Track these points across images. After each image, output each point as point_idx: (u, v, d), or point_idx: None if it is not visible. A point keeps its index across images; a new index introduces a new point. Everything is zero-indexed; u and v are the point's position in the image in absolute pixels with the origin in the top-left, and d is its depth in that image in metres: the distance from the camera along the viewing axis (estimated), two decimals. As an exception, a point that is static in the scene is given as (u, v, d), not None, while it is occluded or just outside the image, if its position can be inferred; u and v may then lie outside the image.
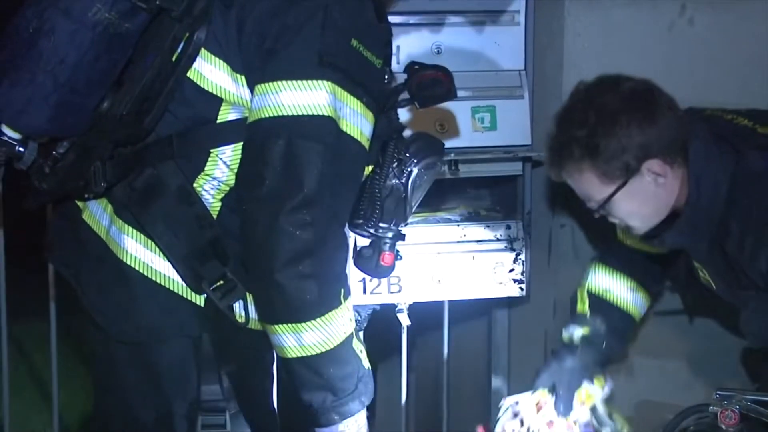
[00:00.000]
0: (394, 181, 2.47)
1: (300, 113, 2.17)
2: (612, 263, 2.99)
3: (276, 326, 2.22)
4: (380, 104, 2.34)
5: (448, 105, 3.07)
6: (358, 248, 2.58)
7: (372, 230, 2.49)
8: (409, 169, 2.48)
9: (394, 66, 2.55)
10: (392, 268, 2.56)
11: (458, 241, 3.21)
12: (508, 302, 3.50)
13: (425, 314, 3.37)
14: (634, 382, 3.31)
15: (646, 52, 3.16)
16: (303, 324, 2.19)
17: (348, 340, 2.26)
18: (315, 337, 2.21)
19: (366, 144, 2.27)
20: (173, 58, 2.24)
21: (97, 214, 2.37)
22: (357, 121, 2.23)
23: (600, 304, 2.98)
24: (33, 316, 3.67)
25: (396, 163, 2.46)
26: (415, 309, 3.24)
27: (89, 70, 2.17)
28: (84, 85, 2.18)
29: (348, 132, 2.22)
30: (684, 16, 3.19)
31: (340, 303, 2.23)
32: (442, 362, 3.55)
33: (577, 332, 2.96)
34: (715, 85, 3.20)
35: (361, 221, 2.46)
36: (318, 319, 2.20)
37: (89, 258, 2.38)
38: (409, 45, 3.13)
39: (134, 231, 2.32)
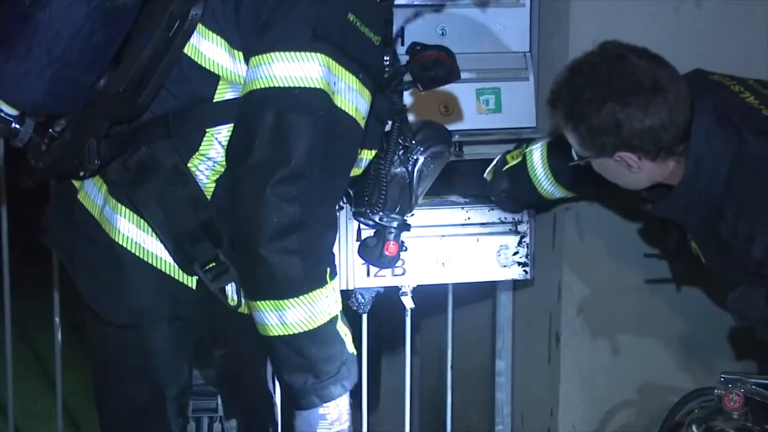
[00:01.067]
0: (399, 169, 2.47)
1: (291, 85, 2.16)
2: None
3: (259, 303, 2.20)
4: (378, 82, 2.32)
5: (453, 87, 3.05)
6: (362, 238, 2.57)
7: (376, 218, 2.48)
8: (415, 157, 2.47)
9: (398, 48, 2.53)
10: (396, 258, 2.56)
11: (462, 224, 3.20)
12: (513, 285, 3.49)
13: (429, 297, 3.36)
14: (636, 363, 3.31)
15: (652, 34, 3.14)
16: (286, 301, 2.17)
17: (332, 322, 2.23)
18: (298, 316, 2.18)
19: (361, 121, 2.25)
20: (170, 35, 2.22)
21: (92, 193, 2.37)
22: (352, 97, 2.21)
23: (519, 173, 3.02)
24: (38, 297, 3.66)
25: (402, 151, 2.45)
26: (418, 292, 3.23)
27: (84, 44, 2.16)
28: (78, 59, 2.17)
29: (342, 107, 2.20)
30: (690, -2, 3.18)
31: (326, 282, 2.21)
32: (446, 345, 3.55)
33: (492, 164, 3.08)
34: (721, 68, 3.17)
35: (364, 209, 2.46)
36: (301, 297, 2.18)
37: (83, 239, 2.37)
38: (414, 27, 3.11)
39: (127, 210, 2.32)
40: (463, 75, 2.91)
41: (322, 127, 2.17)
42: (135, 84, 2.23)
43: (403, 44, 2.95)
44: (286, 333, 2.19)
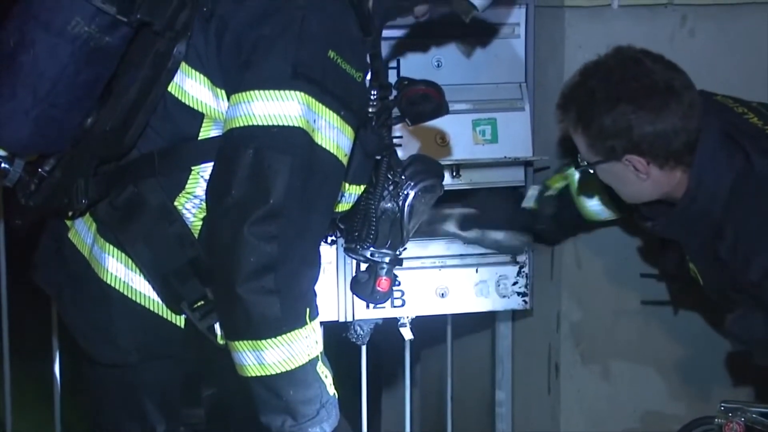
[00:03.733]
0: (389, 204, 2.46)
1: (270, 123, 2.14)
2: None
3: (237, 343, 2.17)
4: (362, 118, 2.31)
5: (449, 118, 3.05)
6: (354, 273, 2.56)
7: (367, 254, 2.47)
8: (405, 192, 2.46)
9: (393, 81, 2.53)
10: (389, 294, 2.53)
11: (461, 255, 3.20)
12: (512, 315, 3.49)
13: (428, 328, 3.36)
14: (636, 392, 3.30)
15: (648, 63, 3.15)
16: (263, 341, 2.14)
17: (312, 363, 2.19)
18: (276, 356, 2.15)
19: (343, 159, 2.23)
20: (155, 73, 2.22)
21: (82, 233, 2.36)
22: (333, 135, 2.19)
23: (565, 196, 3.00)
24: (38, 314, 3.64)
25: (392, 186, 2.44)
26: (417, 323, 3.22)
27: (70, 84, 2.16)
28: (65, 99, 2.17)
29: (322, 145, 2.18)
30: (685, 27, 3.19)
31: (305, 323, 2.17)
32: (446, 376, 3.54)
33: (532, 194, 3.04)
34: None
35: (354, 245, 2.45)
36: (279, 338, 2.14)
37: (72, 277, 2.37)
38: (410, 59, 3.12)
39: (115, 250, 2.31)
40: (459, 106, 2.92)
41: (301, 165, 2.15)
42: (121, 122, 2.22)
43: (398, 76, 2.95)
44: (264, 374, 2.16)
